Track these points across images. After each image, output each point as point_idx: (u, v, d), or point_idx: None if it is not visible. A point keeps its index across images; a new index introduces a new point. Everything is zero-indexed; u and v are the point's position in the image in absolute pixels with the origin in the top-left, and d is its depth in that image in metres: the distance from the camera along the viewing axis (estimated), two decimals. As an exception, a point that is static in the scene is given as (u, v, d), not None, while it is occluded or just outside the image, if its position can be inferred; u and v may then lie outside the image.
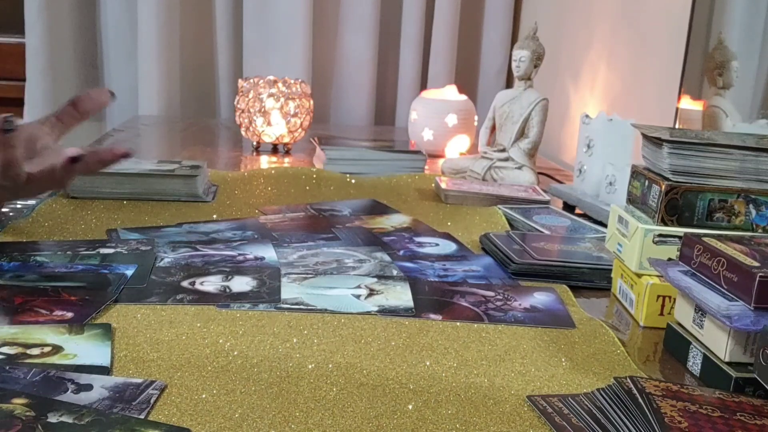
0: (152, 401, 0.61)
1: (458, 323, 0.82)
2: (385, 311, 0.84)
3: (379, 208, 1.28)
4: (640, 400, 0.58)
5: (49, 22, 2.10)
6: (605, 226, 1.04)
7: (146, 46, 2.12)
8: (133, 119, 2.10)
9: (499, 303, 0.88)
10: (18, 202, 1.18)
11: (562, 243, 1.08)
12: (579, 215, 1.28)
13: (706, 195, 0.84)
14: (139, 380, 0.64)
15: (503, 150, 1.50)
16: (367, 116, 2.27)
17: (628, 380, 0.62)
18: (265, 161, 1.65)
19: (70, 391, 0.62)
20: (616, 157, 1.28)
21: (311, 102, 1.72)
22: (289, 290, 0.87)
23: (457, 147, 1.75)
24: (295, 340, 0.75)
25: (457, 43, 2.26)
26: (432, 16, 2.23)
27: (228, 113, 2.23)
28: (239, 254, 0.99)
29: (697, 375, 0.73)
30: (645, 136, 0.90)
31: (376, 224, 1.18)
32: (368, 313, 0.83)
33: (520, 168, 1.48)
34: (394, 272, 0.96)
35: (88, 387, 0.63)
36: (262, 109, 1.66)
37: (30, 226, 1.06)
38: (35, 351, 0.69)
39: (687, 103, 1.26)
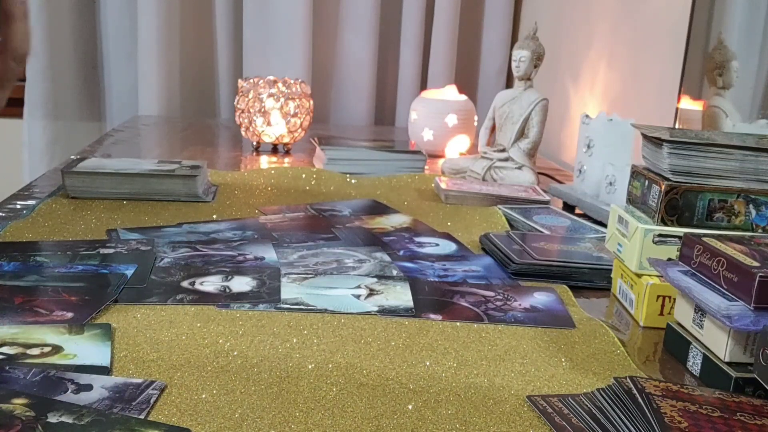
0: (152, 401, 0.61)
1: (458, 323, 0.82)
2: (385, 311, 0.84)
3: (379, 208, 1.28)
4: (640, 400, 0.58)
5: (49, 22, 2.10)
6: (605, 226, 1.04)
7: (146, 46, 2.12)
8: (133, 119, 2.10)
9: (499, 303, 0.88)
10: (18, 202, 1.18)
11: (562, 243, 1.08)
12: (579, 215, 1.28)
13: (706, 195, 0.84)
14: (139, 380, 0.64)
15: (503, 150, 1.50)
16: (367, 116, 2.27)
17: (628, 380, 0.62)
18: (265, 161, 1.65)
19: (70, 391, 0.62)
20: (616, 157, 1.28)
21: (311, 102, 1.72)
22: (289, 290, 0.87)
23: (457, 147, 1.75)
24: (295, 340, 0.75)
25: (457, 43, 2.26)
26: (432, 16, 2.23)
27: (228, 113, 2.23)
28: (239, 254, 0.99)
29: (697, 375, 0.73)
30: (645, 136, 0.90)
31: (376, 224, 1.18)
32: (368, 313, 0.83)
33: (520, 168, 1.48)
34: (394, 272, 0.96)
35: (88, 387, 0.63)
36: (262, 109, 1.66)
37: (30, 226, 1.06)
38: (35, 351, 0.69)
39: (687, 103, 1.26)
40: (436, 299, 0.88)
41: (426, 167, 1.58)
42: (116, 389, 0.63)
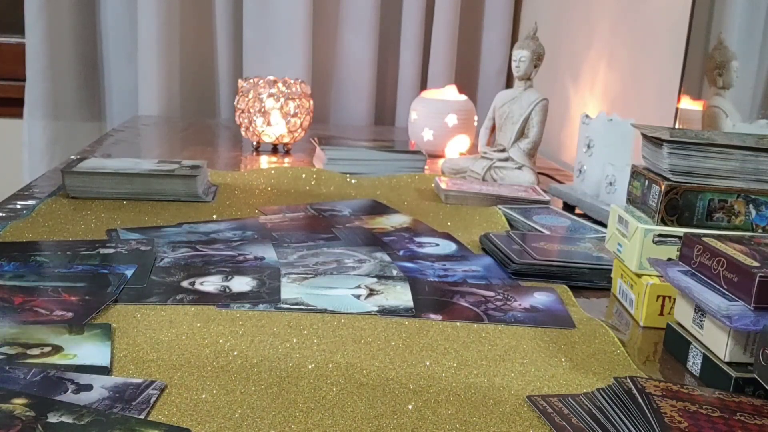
0: (152, 401, 0.61)
1: (458, 323, 0.82)
2: (385, 311, 0.84)
3: (379, 208, 1.28)
4: (640, 400, 0.58)
5: (49, 22, 2.10)
6: (605, 226, 1.04)
7: (146, 46, 2.12)
8: (133, 119, 2.10)
9: (499, 303, 0.88)
10: (18, 202, 1.18)
11: (562, 243, 1.08)
12: (579, 215, 1.28)
13: (706, 195, 0.84)
14: (139, 380, 0.64)
15: (503, 150, 1.50)
16: (367, 116, 2.27)
17: (628, 380, 0.62)
18: (265, 161, 1.65)
19: (70, 391, 0.62)
20: (616, 157, 1.28)
21: (311, 102, 1.72)
22: (289, 290, 0.87)
23: (457, 147, 1.75)
24: (295, 340, 0.75)
25: (457, 43, 2.26)
26: (432, 16, 2.23)
27: (228, 113, 2.23)
28: (239, 254, 0.99)
29: (697, 375, 0.73)
30: (645, 136, 0.90)
31: (376, 224, 1.18)
32: (368, 313, 0.83)
33: (520, 168, 1.48)
34: (394, 272, 0.96)
35: (88, 387, 0.63)
36: (262, 109, 1.66)
37: (30, 226, 1.06)
38: (35, 351, 0.69)
39: (687, 103, 1.26)
40: (436, 299, 0.88)
41: (426, 167, 1.58)
42: (116, 389, 0.63)
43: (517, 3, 2.30)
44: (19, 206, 1.16)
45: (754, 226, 0.85)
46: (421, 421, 0.62)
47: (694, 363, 0.74)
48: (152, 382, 0.64)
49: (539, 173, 1.53)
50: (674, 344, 0.78)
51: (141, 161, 1.35)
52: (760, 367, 0.62)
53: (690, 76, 1.26)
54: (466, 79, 2.32)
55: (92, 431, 0.56)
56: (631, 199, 0.92)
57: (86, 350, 0.70)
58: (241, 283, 0.89)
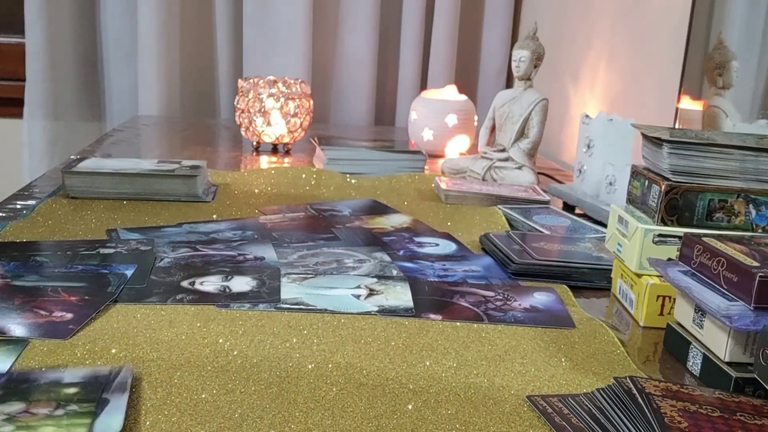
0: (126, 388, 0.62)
1: (458, 323, 0.82)
2: (385, 311, 0.84)
3: (379, 208, 1.28)
4: (640, 400, 0.58)
5: (49, 22, 2.10)
6: (605, 226, 1.04)
7: (146, 46, 2.12)
8: (133, 119, 2.10)
9: (499, 303, 0.88)
10: (18, 202, 1.18)
11: (562, 243, 1.08)
12: (579, 215, 1.28)
13: (706, 195, 0.84)
14: (107, 369, 0.65)
15: (503, 150, 1.50)
16: (367, 116, 2.27)
17: (628, 380, 0.62)
18: (265, 161, 1.65)
19: None
20: (616, 157, 1.28)
21: (311, 102, 1.72)
22: (289, 290, 0.87)
23: (457, 147, 1.75)
24: (295, 340, 0.75)
25: (457, 43, 2.26)
26: (432, 16, 2.23)
27: (228, 113, 2.23)
28: (239, 254, 0.99)
29: (697, 375, 0.73)
30: (645, 136, 0.90)
31: (376, 224, 1.18)
32: (368, 313, 0.83)
33: (520, 168, 1.48)
34: (394, 272, 0.96)
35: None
36: (262, 109, 1.66)
37: (30, 226, 1.06)
38: None
39: (687, 103, 1.26)
40: (436, 299, 0.88)
41: (426, 167, 1.58)
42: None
43: (517, 3, 2.31)
44: (19, 206, 1.16)
45: (754, 226, 0.85)
46: (421, 421, 0.62)
47: (694, 363, 0.74)
48: (120, 369, 0.65)
49: (539, 173, 1.53)
50: (674, 344, 0.78)
51: (141, 161, 1.35)
52: (760, 367, 0.62)
53: (690, 76, 1.26)
54: (466, 79, 2.32)
55: None
56: (631, 199, 0.92)
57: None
58: (241, 283, 0.89)
